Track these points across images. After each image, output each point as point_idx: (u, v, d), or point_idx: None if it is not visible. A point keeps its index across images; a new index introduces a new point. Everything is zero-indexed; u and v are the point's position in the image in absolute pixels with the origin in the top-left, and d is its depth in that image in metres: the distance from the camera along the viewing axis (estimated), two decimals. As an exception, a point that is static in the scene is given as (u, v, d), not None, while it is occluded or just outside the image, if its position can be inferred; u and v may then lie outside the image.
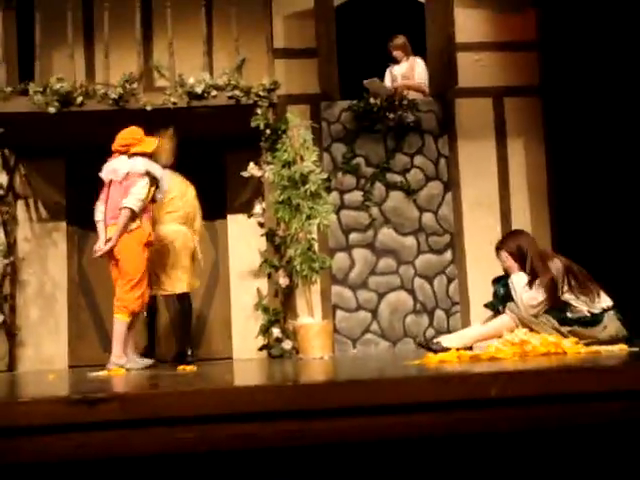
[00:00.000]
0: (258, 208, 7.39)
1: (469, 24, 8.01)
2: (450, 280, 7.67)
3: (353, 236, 7.63)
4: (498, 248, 5.07)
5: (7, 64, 7.19)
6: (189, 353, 6.49)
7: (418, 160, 7.72)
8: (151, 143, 5.89)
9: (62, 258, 7.79)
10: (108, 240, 5.66)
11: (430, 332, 7.41)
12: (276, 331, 6.99)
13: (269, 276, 7.26)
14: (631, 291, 5.89)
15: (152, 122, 6.65)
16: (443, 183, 7.77)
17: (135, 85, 6.97)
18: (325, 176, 6.87)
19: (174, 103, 6.90)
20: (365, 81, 7.51)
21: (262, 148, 7.08)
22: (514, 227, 7.60)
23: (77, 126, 7.07)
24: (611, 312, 4.71)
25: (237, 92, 6.96)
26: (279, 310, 7.11)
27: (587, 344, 4.47)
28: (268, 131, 7.01)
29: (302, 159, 6.70)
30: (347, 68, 7.80)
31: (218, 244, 7.89)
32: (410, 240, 7.64)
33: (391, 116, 7.62)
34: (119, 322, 5.63)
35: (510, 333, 4.48)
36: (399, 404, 2.50)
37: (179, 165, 6.47)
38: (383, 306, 7.56)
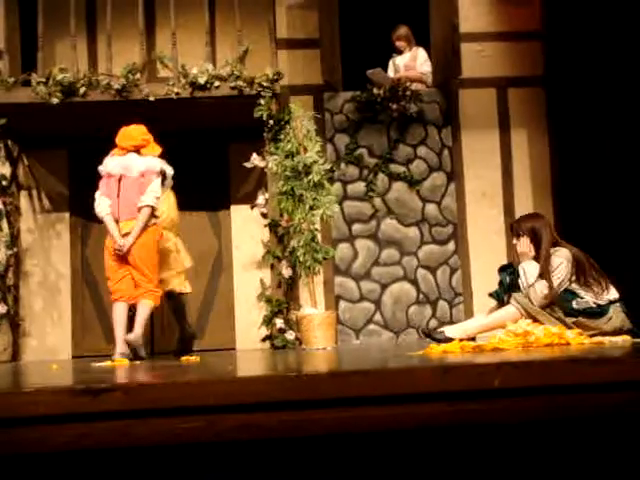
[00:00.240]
0: (261, 199, 7.40)
1: (473, 14, 7.98)
2: (453, 271, 7.68)
3: (356, 227, 7.63)
4: (512, 228, 5.05)
5: (10, 55, 7.20)
6: (184, 346, 6.58)
7: (421, 151, 7.71)
8: (157, 147, 6.00)
9: (65, 249, 7.80)
10: (125, 235, 5.73)
11: (433, 323, 7.43)
12: (279, 322, 7.00)
13: (272, 267, 7.27)
14: (635, 282, 5.87)
15: (155, 113, 6.66)
16: (446, 174, 7.77)
17: (138, 76, 6.96)
18: (328, 167, 6.86)
19: (177, 94, 6.90)
20: (368, 71, 7.50)
21: (265, 139, 7.07)
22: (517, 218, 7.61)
23: (80, 117, 7.06)
24: (617, 304, 4.69)
25: (240, 83, 6.95)
26: (282, 301, 7.12)
27: (591, 335, 4.46)
28: (271, 122, 7.01)
29: (305, 150, 6.69)
30: (350, 59, 7.79)
31: (221, 235, 7.89)
32: (413, 231, 7.64)
33: (394, 107, 7.61)
34: (148, 307, 5.79)
35: (514, 324, 4.48)
36: (402, 394, 2.50)
37: (182, 156, 6.46)
38: (386, 297, 7.57)
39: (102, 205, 5.84)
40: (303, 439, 2.52)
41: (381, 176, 7.64)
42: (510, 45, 7.97)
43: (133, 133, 5.90)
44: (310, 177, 6.58)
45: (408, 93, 7.63)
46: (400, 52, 7.92)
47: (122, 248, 5.68)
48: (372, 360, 3.95)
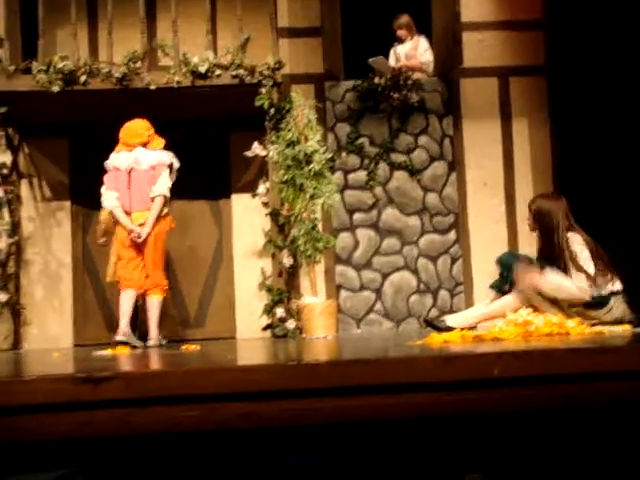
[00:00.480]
0: (262, 188, 7.39)
1: (474, 3, 7.94)
2: (454, 260, 7.67)
3: (357, 216, 7.62)
4: (530, 206, 4.99)
5: (10, 42, 7.17)
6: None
7: (422, 140, 7.70)
8: (160, 140, 6.19)
9: (66, 237, 7.79)
10: (140, 225, 5.91)
11: (434, 312, 7.43)
12: (280, 311, 7.01)
13: (273, 256, 7.27)
14: (636, 270, 5.87)
15: (156, 101, 6.65)
16: (447, 163, 7.75)
17: (139, 64, 6.94)
18: (329, 156, 6.86)
19: (178, 82, 6.88)
20: (370, 59, 7.48)
21: (266, 127, 7.06)
22: (518, 207, 7.61)
23: (81, 105, 7.05)
24: (619, 295, 4.70)
25: (241, 71, 6.93)
26: (283, 290, 7.13)
27: (591, 325, 4.47)
28: (272, 111, 7.00)
29: (306, 139, 6.69)
30: (352, 48, 7.76)
31: (222, 224, 7.88)
32: (414, 220, 7.64)
33: (395, 96, 7.58)
34: (158, 304, 6.01)
35: (514, 313, 4.49)
36: (402, 384, 2.51)
37: (183, 144, 6.47)
38: (387, 286, 7.57)
39: (109, 198, 5.97)
40: (304, 428, 2.53)
41: (382, 165, 7.63)
42: (512, 34, 7.94)
43: (139, 130, 6.07)
44: (311, 166, 6.58)
45: (409, 82, 7.60)
46: (401, 41, 7.89)
47: (140, 234, 5.82)
48: (373, 349, 3.96)
